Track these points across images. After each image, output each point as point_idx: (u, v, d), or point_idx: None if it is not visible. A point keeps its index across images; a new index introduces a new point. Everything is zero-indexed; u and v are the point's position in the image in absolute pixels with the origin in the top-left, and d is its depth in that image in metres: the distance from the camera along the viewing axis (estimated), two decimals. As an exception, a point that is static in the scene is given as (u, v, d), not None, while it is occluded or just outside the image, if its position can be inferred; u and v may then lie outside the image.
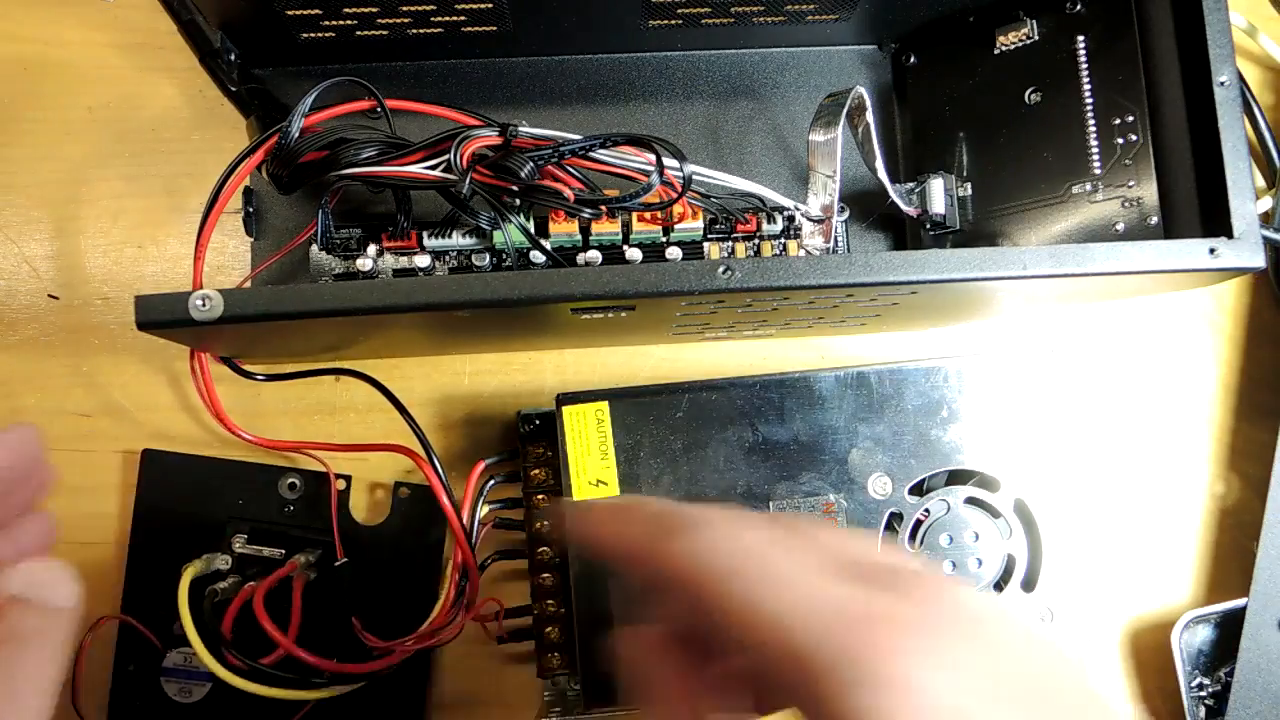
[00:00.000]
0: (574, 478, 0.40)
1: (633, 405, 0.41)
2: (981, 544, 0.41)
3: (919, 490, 0.41)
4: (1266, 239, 0.46)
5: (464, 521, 0.42)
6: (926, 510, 0.41)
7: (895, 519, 0.41)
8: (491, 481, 0.44)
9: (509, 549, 0.44)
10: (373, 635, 0.41)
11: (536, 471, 0.43)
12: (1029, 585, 0.41)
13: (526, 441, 0.43)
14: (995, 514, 0.41)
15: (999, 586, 0.41)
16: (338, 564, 0.44)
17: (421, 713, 0.45)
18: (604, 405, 0.41)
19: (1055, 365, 0.42)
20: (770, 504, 0.41)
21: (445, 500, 0.39)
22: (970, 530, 0.41)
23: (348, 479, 0.46)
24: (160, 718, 0.44)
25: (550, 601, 0.43)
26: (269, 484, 0.45)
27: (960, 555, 0.41)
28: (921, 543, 0.41)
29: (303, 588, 0.42)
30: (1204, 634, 0.47)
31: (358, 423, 0.47)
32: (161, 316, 0.31)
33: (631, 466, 0.41)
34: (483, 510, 0.43)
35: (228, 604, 0.40)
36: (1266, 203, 0.48)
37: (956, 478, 0.42)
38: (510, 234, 0.39)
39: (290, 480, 0.46)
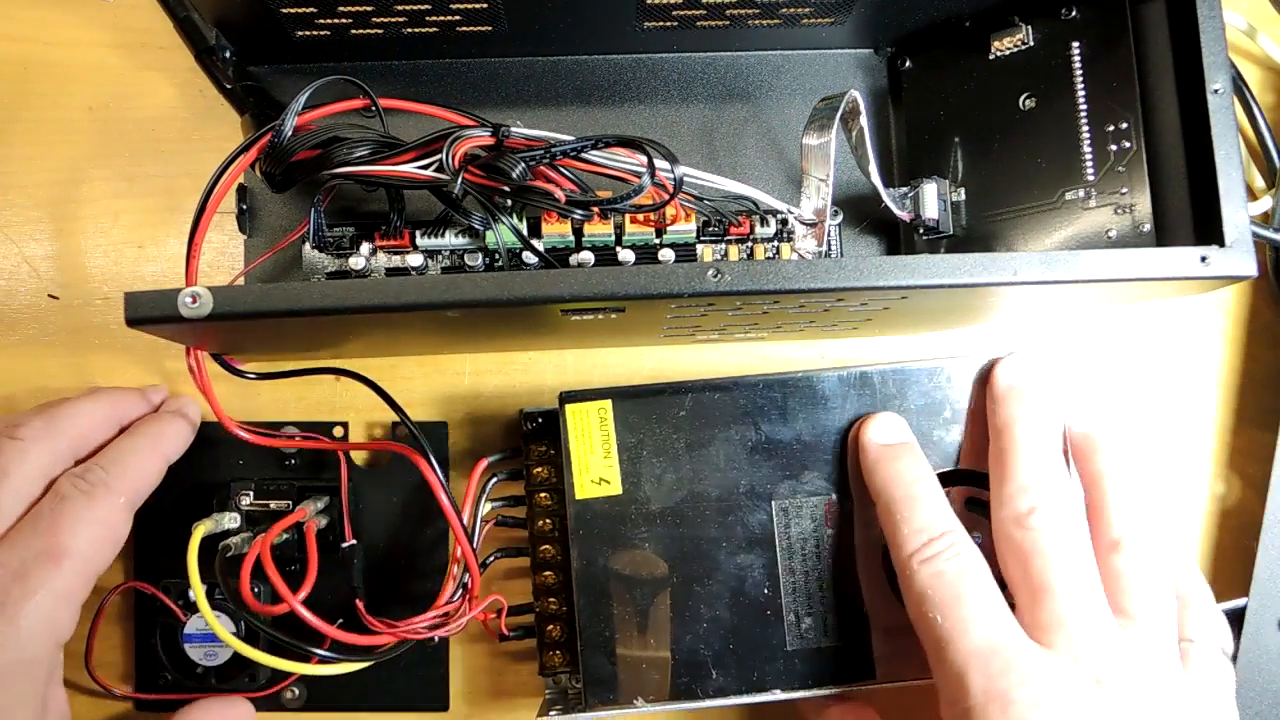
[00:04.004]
0: (576, 476, 0.41)
1: (635, 404, 0.41)
2: (982, 546, 0.41)
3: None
4: (1266, 239, 0.46)
5: (465, 519, 0.42)
6: None
7: None
8: (494, 479, 0.44)
9: (511, 546, 0.44)
10: (377, 614, 0.41)
11: (539, 469, 0.43)
12: None
13: (529, 440, 0.44)
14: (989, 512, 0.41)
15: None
16: (346, 545, 0.44)
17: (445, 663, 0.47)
18: (607, 404, 0.41)
19: (1057, 366, 0.42)
20: (773, 503, 0.41)
21: (444, 499, 0.39)
22: (972, 532, 0.41)
23: (345, 425, 0.47)
24: (189, 683, 0.45)
25: (552, 599, 0.43)
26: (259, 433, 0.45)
27: None
28: None
29: (315, 533, 0.42)
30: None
31: (358, 422, 0.47)
32: (150, 313, 0.31)
33: (634, 465, 0.41)
34: (485, 508, 0.43)
35: (242, 558, 0.39)
36: (1266, 203, 0.48)
37: (958, 478, 0.42)
38: (502, 234, 0.39)
39: (289, 433, 0.46)
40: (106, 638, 0.46)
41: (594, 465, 0.41)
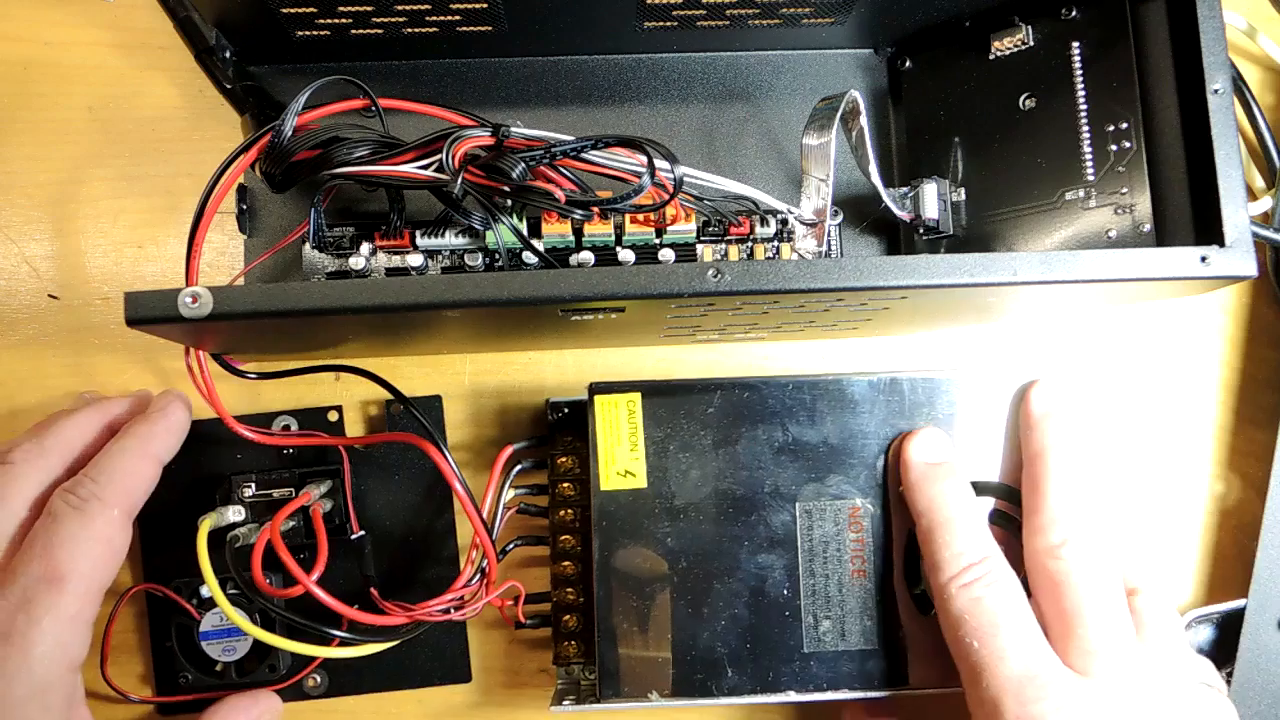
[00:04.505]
0: (602, 467, 0.41)
1: (665, 398, 0.41)
2: (1009, 561, 0.41)
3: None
4: (1266, 239, 0.46)
5: (487, 506, 0.42)
6: None
7: None
8: (518, 467, 0.44)
9: (531, 535, 0.44)
10: (392, 600, 0.41)
11: (563, 459, 0.43)
12: None
13: (555, 429, 0.44)
14: (1019, 528, 0.41)
15: None
16: (355, 536, 0.45)
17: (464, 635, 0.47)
18: (636, 397, 0.41)
19: (1091, 391, 0.42)
20: (796, 504, 0.41)
21: (459, 488, 0.39)
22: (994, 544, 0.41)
23: (339, 409, 0.47)
24: (210, 681, 0.45)
25: (569, 590, 0.43)
26: (263, 431, 0.45)
27: None
28: None
29: (322, 516, 0.43)
30: (1204, 634, 0.47)
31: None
32: (150, 313, 0.31)
33: (660, 459, 0.41)
34: (508, 495, 0.43)
35: (251, 549, 0.39)
36: (1266, 203, 0.48)
37: (983, 489, 0.42)
38: (502, 234, 0.39)
39: (284, 423, 0.46)
40: (121, 644, 0.46)
41: (620, 457, 0.41)
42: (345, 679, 0.46)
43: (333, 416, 0.47)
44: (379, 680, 0.46)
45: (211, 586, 0.38)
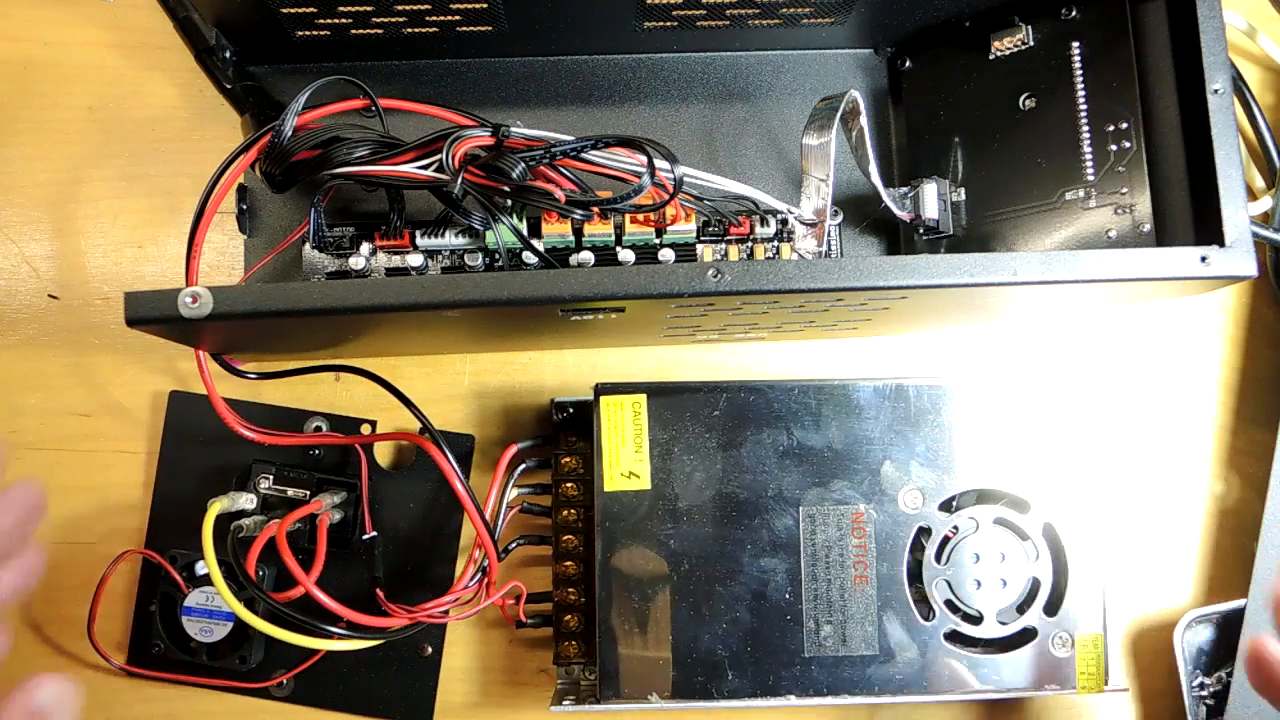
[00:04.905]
0: (606, 468, 0.41)
1: (670, 400, 0.41)
2: (1007, 565, 0.41)
3: (948, 507, 0.41)
4: (1266, 239, 0.46)
5: (490, 505, 0.42)
6: (955, 527, 0.41)
7: (923, 533, 0.41)
8: (523, 466, 0.44)
9: (534, 534, 0.45)
10: (396, 601, 0.41)
11: (567, 459, 0.44)
12: (1052, 609, 0.41)
13: (560, 429, 0.44)
14: (1024, 536, 0.41)
15: (1022, 609, 0.41)
16: (367, 536, 0.45)
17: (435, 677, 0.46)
18: (641, 398, 0.41)
19: (1081, 383, 0.42)
20: (800, 509, 0.41)
21: (459, 487, 0.39)
22: (997, 550, 0.41)
23: (373, 423, 0.47)
24: (181, 656, 0.44)
25: (571, 590, 0.43)
26: (295, 427, 0.46)
27: (986, 574, 0.41)
28: (948, 560, 0.41)
29: (327, 527, 0.42)
30: (1205, 634, 0.47)
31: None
32: (150, 313, 0.31)
33: (664, 461, 0.41)
34: (511, 493, 0.44)
35: (252, 540, 0.39)
36: (1266, 203, 0.48)
37: (987, 497, 0.42)
38: (502, 234, 0.39)
39: (316, 424, 0.46)
40: (111, 605, 0.45)
41: (624, 458, 0.41)
42: (309, 690, 0.46)
43: (366, 429, 0.46)
44: (341, 699, 0.46)
45: (210, 565, 0.38)
